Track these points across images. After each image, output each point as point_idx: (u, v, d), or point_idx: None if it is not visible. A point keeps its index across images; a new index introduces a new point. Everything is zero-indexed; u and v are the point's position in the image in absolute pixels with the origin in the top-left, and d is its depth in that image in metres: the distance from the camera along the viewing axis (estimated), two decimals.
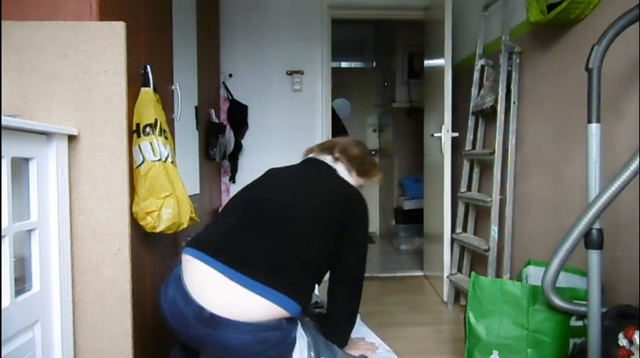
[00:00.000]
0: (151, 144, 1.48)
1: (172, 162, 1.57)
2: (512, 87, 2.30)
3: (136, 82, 1.51)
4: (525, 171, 2.26)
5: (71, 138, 1.37)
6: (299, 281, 1.26)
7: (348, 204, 1.42)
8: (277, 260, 1.24)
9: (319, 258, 1.32)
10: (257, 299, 1.16)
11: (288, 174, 1.51)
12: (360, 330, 1.74)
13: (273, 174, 1.52)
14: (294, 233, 1.30)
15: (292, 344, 1.24)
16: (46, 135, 1.26)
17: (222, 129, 2.96)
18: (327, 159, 1.52)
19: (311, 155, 1.58)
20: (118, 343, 1.41)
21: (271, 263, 1.23)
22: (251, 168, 3.34)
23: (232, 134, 3.34)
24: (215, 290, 1.18)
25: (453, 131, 2.81)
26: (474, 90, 2.72)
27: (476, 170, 2.76)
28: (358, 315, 1.83)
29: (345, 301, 1.44)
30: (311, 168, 1.52)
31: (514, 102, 2.30)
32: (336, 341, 1.43)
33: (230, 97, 3.35)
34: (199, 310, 1.16)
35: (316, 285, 1.39)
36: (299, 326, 1.29)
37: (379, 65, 5.46)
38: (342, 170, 1.51)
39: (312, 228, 1.32)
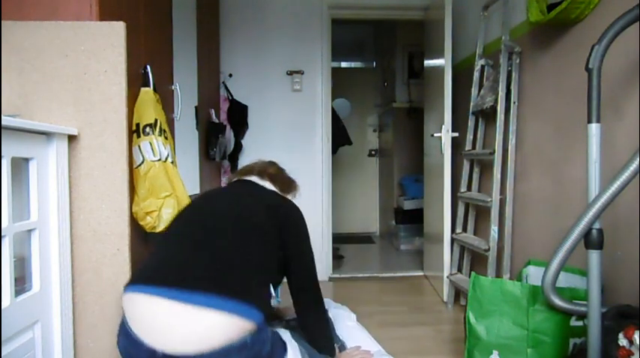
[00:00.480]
0: (150, 144, 1.48)
1: (172, 162, 1.57)
2: (512, 87, 2.30)
3: (136, 82, 1.51)
4: (525, 171, 2.26)
5: (71, 138, 1.37)
6: (251, 283, 1.20)
7: (282, 207, 1.46)
8: (223, 267, 1.18)
9: (268, 259, 1.31)
10: (212, 316, 1.06)
11: (220, 192, 1.57)
12: (357, 335, 1.71)
13: (203, 197, 1.55)
14: (236, 238, 1.26)
15: None
16: (46, 135, 1.26)
17: (222, 129, 2.96)
18: (253, 178, 1.57)
19: (235, 179, 1.63)
20: None
21: (218, 271, 1.17)
22: None
23: (232, 134, 3.33)
24: (163, 322, 1.07)
25: (453, 131, 2.80)
26: (474, 91, 2.72)
27: (476, 170, 2.75)
28: (355, 318, 1.83)
29: (311, 309, 1.45)
30: (241, 186, 1.56)
31: (514, 102, 2.30)
32: (323, 350, 1.43)
33: (230, 97, 3.35)
34: (151, 353, 1.05)
35: (272, 292, 1.34)
36: (284, 335, 1.27)
37: (379, 65, 5.46)
38: (268, 185, 1.56)
39: (254, 230, 1.31)
